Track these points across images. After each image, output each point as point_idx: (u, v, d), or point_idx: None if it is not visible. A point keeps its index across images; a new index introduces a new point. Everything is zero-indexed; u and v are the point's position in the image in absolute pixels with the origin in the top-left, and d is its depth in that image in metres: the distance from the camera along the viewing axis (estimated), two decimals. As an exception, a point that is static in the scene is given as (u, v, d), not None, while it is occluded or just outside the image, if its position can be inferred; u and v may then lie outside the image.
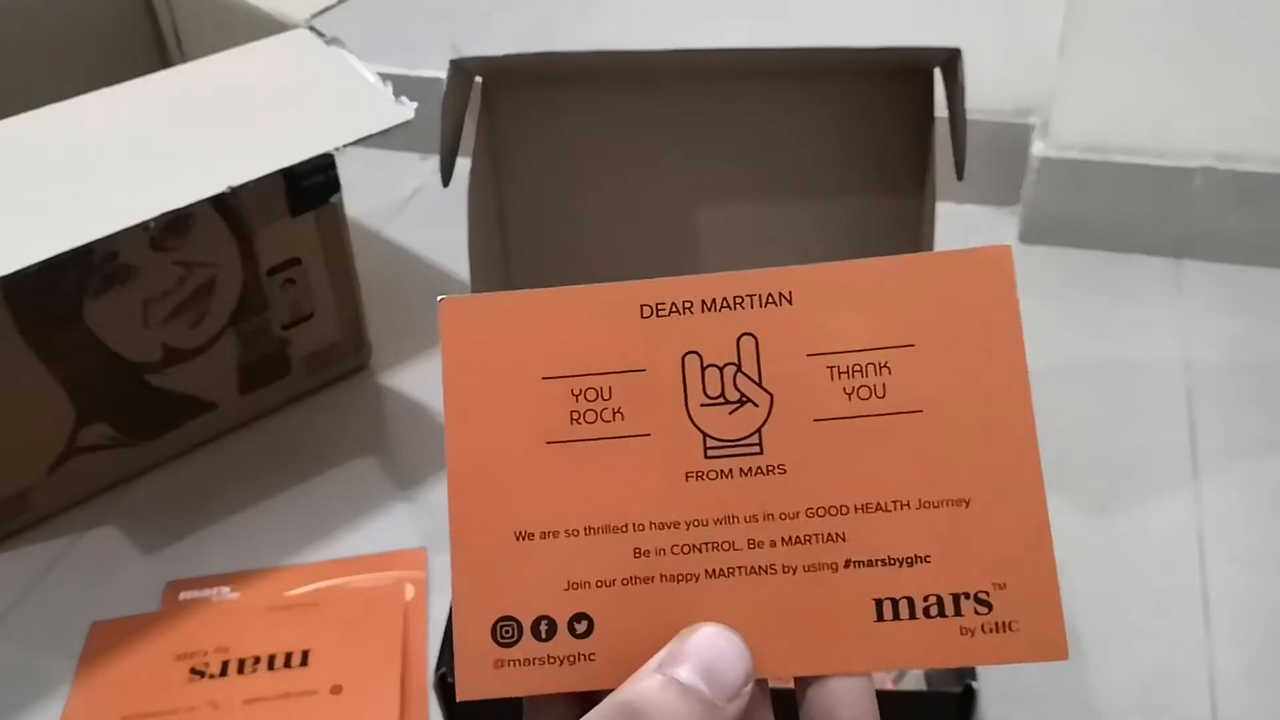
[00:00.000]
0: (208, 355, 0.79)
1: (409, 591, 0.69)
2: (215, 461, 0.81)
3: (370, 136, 0.67)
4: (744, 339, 0.26)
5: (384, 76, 0.70)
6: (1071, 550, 0.71)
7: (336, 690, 0.63)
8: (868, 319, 0.26)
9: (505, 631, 0.26)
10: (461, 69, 0.61)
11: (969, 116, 0.60)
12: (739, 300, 0.26)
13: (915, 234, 0.66)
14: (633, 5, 1.03)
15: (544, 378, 0.26)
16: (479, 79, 0.64)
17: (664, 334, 0.26)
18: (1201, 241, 0.95)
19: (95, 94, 0.67)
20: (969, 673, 0.53)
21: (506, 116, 0.66)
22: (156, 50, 0.95)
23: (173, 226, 0.73)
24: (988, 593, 0.25)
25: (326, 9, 0.75)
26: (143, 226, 0.61)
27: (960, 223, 0.96)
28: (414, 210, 1.07)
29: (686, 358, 0.26)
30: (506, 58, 0.61)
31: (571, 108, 0.66)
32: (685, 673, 0.24)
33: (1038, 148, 0.95)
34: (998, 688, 0.62)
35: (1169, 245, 0.96)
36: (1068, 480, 0.76)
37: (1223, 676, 0.63)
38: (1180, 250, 0.96)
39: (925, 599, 0.25)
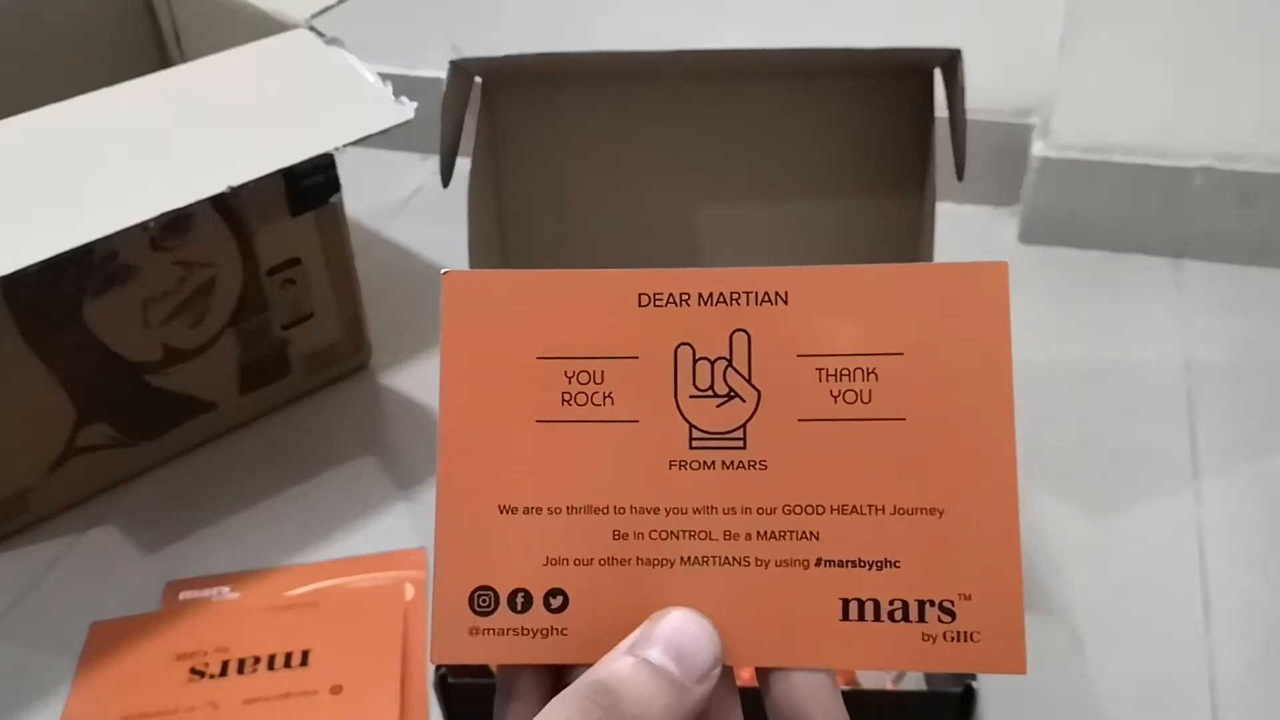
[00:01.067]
0: (208, 355, 0.79)
1: (409, 591, 0.69)
2: (215, 461, 0.81)
3: (370, 136, 0.67)
4: (737, 335, 0.27)
5: (384, 76, 0.70)
6: (1071, 550, 0.71)
7: (336, 690, 0.63)
8: (860, 324, 0.26)
9: (482, 601, 0.26)
10: (461, 69, 0.61)
11: (969, 116, 0.60)
12: (735, 296, 0.27)
13: (915, 234, 0.66)
14: (633, 5, 1.03)
15: (539, 357, 0.27)
16: (479, 79, 0.64)
17: (659, 324, 0.27)
18: (1201, 241, 0.95)
19: (95, 94, 0.67)
20: (969, 673, 0.53)
21: (506, 117, 0.66)
22: (156, 50, 0.95)
23: (172, 226, 0.73)
24: (953, 602, 0.26)
25: (326, 9, 0.75)
26: (142, 226, 0.61)
27: (960, 223, 0.96)
28: (414, 210, 1.07)
29: (679, 349, 0.27)
30: (506, 58, 0.61)
31: (571, 108, 0.66)
32: (656, 654, 0.25)
33: (1038, 148, 0.95)
34: (998, 688, 0.62)
35: (1169, 245, 0.96)
36: (1068, 480, 0.76)
37: (1223, 676, 0.63)
38: (1180, 250, 0.96)
39: (891, 603, 0.26)
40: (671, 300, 0.27)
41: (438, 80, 0.59)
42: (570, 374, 0.27)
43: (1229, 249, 0.95)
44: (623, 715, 0.24)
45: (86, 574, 0.73)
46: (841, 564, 0.26)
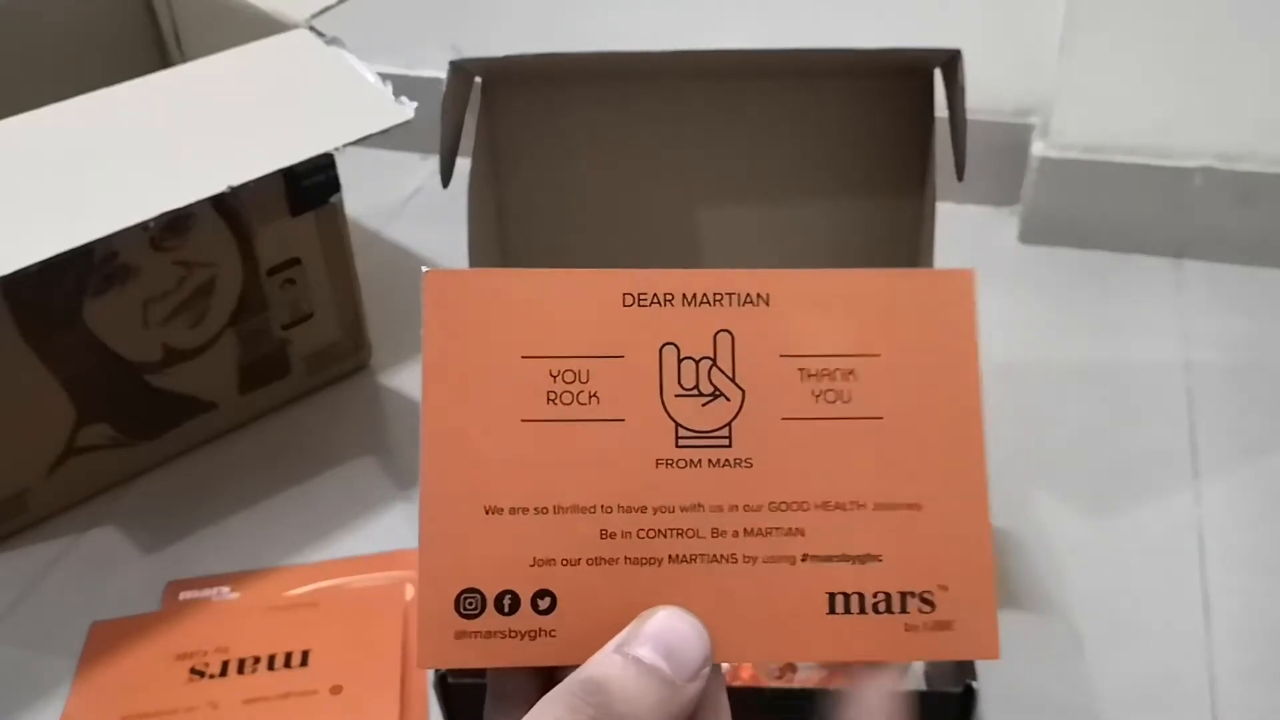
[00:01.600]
0: (207, 355, 0.79)
1: (409, 592, 0.69)
2: (215, 461, 0.81)
3: (370, 136, 0.67)
4: (721, 335, 0.27)
5: (384, 76, 0.70)
6: (1072, 550, 0.71)
7: (336, 690, 0.63)
8: (839, 326, 0.27)
9: (468, 604, 0.27)
10: (461, 69, 0.61)
11: (969, 116, 0.60)
12: (719, 297, 0.27)
13: (915, 234, 0.66)
14: (633, 5, 1.03)
15: (524, 356, 0.27)
16: (479, 79, 0.64)
17: (644, 323, 0.27)
18: (1201, 241, 0.95)
19: (95, 94, 0.67)
20: (969, 672, 0.53)
21: (506, 117, 0.66)
22: (156, 50, 0.95)
23: (172, 226, 0.73)
24: (931, 593, 0.27)
25: (326, 9, 0.75)
26: (142, 226, 0.61)
27: (960, 223, 0.96)
28: (414, 210, 1.07)
29: (664, 348, 0.27)
30: (506, 58, 0.61)
31: (571, 108, 0.66)
32: (645, 652, 0.25)
33: (1038, 148, 0.95)
34: (997, 688, 0.62)
35: (1169, 245, 0.96)
36: (1068, 480, 0.76)
37: (1223, 676, 0.63)
38: (1180, 250, 0.96)
39: (875, 595, 0.27)
40: (656, 300, 0.27)
41: (438, 80, 0.59)
42: (555, 373, 0.27)
43: (1229, 249, 0.95)
44: (613, 714, 0.24)
45: (86, 574, 0.73)
46: (827, 559, 0.27)
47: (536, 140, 0.67)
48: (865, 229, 0.67)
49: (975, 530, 0.27)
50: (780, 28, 1.00)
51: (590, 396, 0.27)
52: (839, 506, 0.27)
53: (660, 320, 0.27)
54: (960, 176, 0.61)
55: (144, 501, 0.78)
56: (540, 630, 0.26)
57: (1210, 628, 0.66)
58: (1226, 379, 0.83)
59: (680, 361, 0.27)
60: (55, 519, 0.76)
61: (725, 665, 0.26)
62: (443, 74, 0.60)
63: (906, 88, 0.64)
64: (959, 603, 0.27)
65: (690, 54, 0.61)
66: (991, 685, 0.62)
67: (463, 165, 0.61)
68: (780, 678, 0.61)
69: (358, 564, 0.72)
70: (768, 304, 0.27)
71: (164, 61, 0.95)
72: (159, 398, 0.78)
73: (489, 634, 0.26)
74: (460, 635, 0.27)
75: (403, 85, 0.69)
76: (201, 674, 0.64)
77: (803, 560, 0.27)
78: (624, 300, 0.27)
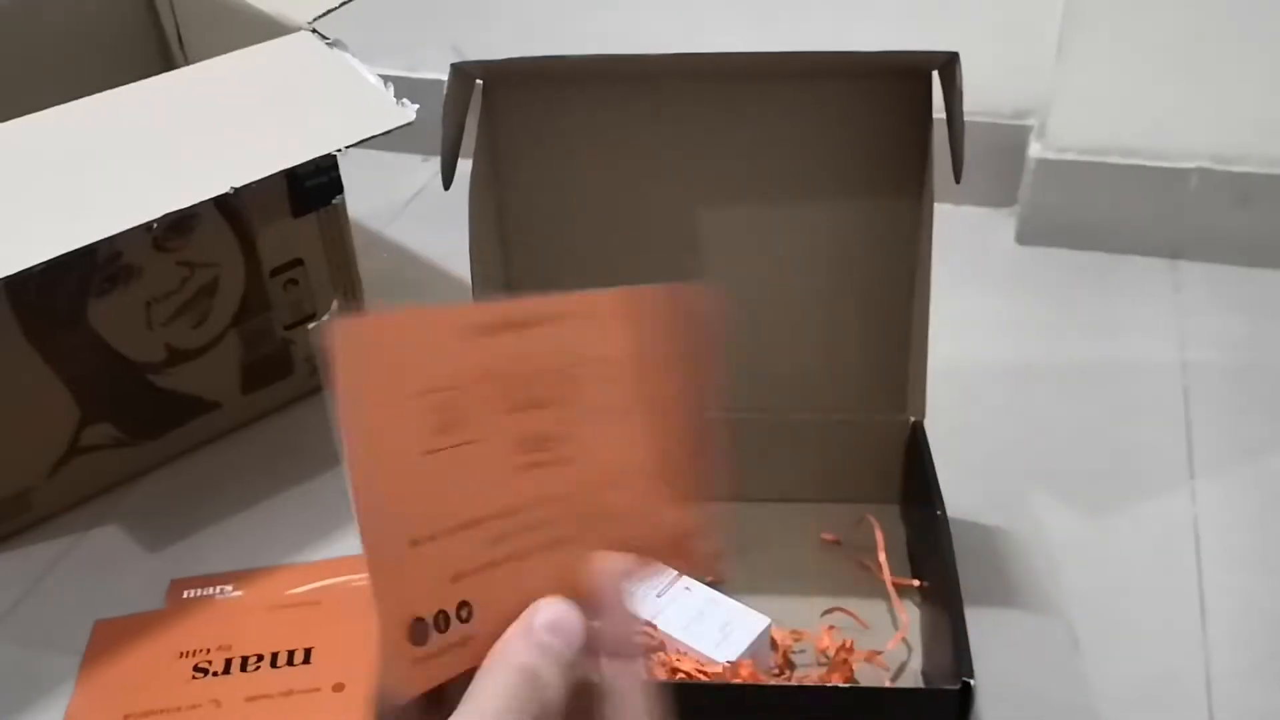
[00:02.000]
0: (210, 355, 0.79)
1: (410, 590, 0.69)
2: (218, 461, 0.81)
3: (372, 138, 0.67)
4: (540, 354, 0.31)
5: (385, 78, 0.70)
6: (1069, 550, 0.71)
7: (339, 688, 0.64)
8: (611, 338, 0.32)
9: (418, 632, 0.28)
10: (462, 72, 0.61)
11: (967, 118, 0.60)
12: (530, 320, 0.31)
13: (914, 235, 0.66)
14: (633, 7, 1.03)
15: (416, 393, 0.29)
16: (479, 81, 0.64)
17: (487, 350, 0.30)
18: (1198, 242, 0.95)
19: (99, 96, 0.68)
20: (967, 670, 0.53)
21: (507, 119, 0.67)
22: (160, 53, 0.95)
23: (176, 227, 0.73)
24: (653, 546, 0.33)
25: (328, 12, 0.75)
26: (146, 227, 0.61)
27: (958, 223, 0.96)
28: (415, 211, 1.07)
29: (502, 370, 0.30)
30: (507, 61, 0.62)
31: (572, 110, 0.67)
32: (550, 639, 0.29)
33: (1035, 149, 0.95)
34: (995, 686, 0.62)
35: (1165, 246, 0.96)
36: (1065, 480, 0.76)
37: (1219, 675, 0.64)
38: (1177, 251, 0.96)
39: (626, 546, 0.32)
40: (494, 329, 0.30)
41: (439, 82, 0.60)
42: (436, 406, 0.29)
43: (1225, 249, 0.95)
44: (547, 699, 0.27)
45: (89, 573, 0.73)
46: (606, 521, 0.32)
47: (537, 141, 0.67)
48: (864, 229, 0.68)
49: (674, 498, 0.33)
50: (780, 30, 1.00)
51: (461, 423, 0.29)
52: (613, 483, 0.32)
53: (497, 346, 0.30)
54: (958, 178, 0.61)
55: (147, 501, 0.78)
56: (466, 637, 0.29)
57: (1206, 627, 0.66)
58: (1223, 379, 0.84)
59: (514, 380, 0.30)
60: (58, 518, 0.77)
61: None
62: (444, 76, 0.60)
63: (905, 90, 0.64)
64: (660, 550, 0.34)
65: (690, 57, 0.62)
66: (989, 684, 0.62)
67: (464, 166, 0.62)
68: (780, 675, 0.62)
69: (359, 562, 0.72)
70: (561, 323, 0.31)
71: (167, 64, 0.95)
72: (162, 397, 0.78)
73: (434, 654, 0.28)
74: (416, 662, 0.28)
75: (404, 87, 0.69)
76: (205, 672, 0.65)
77: (596, 527, 0.32)
78: (475, 331, 0.30)
